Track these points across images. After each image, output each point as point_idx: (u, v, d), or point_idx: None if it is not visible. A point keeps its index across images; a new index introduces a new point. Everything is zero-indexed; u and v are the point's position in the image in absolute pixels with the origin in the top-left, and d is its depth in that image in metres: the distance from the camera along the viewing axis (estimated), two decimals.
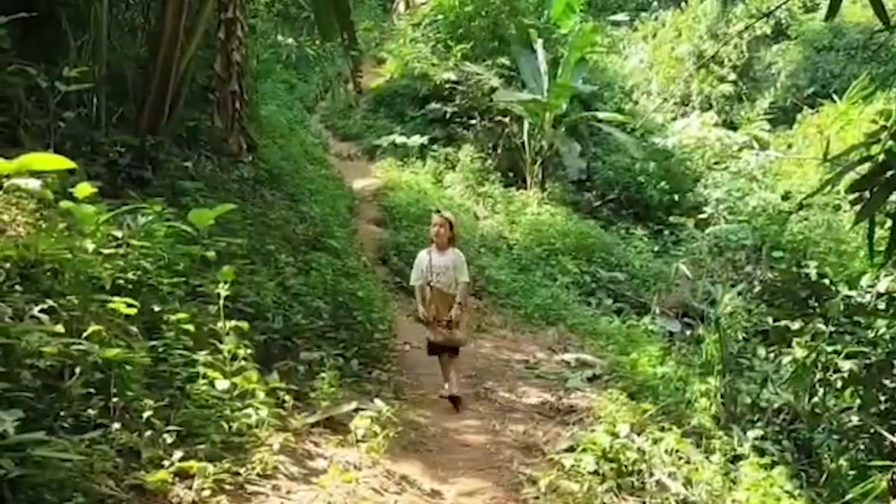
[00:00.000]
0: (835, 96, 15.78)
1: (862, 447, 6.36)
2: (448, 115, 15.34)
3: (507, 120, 14.97)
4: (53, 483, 2.68)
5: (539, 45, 15.26)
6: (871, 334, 6.97)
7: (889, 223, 4.52)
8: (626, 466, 4.54)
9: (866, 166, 4.35)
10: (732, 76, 18.77)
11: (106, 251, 4.06)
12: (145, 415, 3.36)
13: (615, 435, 4.76)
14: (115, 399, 3.28)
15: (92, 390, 3.24)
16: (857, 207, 4.40)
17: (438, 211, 6.47)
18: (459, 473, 4.55)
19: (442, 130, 15.37)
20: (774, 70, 18.90)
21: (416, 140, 14.69)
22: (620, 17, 20.57)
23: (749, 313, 9.28)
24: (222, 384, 3.87)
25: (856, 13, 18.80)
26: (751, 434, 5.93)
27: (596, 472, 4.43)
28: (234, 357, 4.05)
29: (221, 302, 4.18)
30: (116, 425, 3.19)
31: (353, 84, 10.65)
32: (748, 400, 6.81)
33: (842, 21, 18.86)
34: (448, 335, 6.02)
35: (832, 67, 18.09)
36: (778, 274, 10.24)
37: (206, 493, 3.20)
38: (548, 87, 14.59)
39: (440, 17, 16.88)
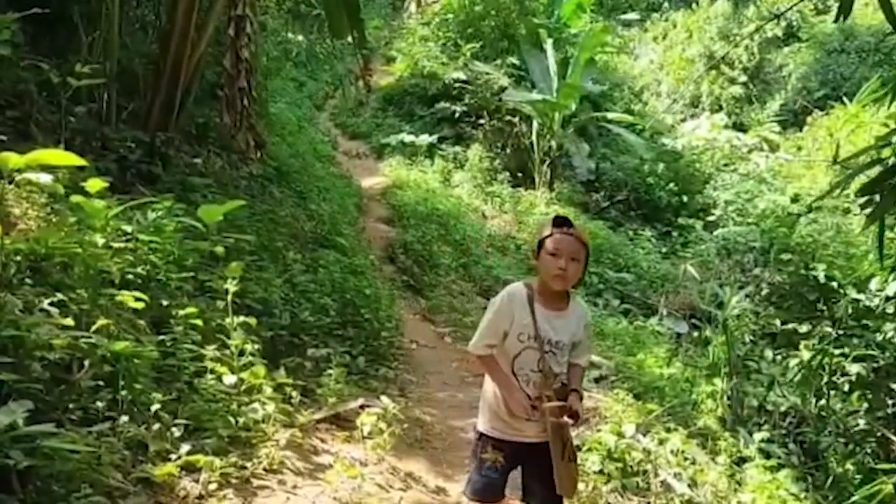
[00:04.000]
0: (845, 99, 15.70)
1: (869, 451, 6.33)
2: (457, 115, 15.35)
3: (516, 120, 14.97)
4: (62, 474, 2.70)
5: (549, 44, 15.25)
6: (879, 338, 6.94)
7: None
8: (631, 467, 4.54)
9: (876, 169, 4.34)
10: (743, 78, 18.71)
11: (115, 246, 4.09)
12: (153, 408, 3.39)
13: (621, 435, 4.76)
14: (123, 392, 3.30)
15: (100, 383, 3.27)
16: (867, 211, 4.39)
17: (563, 222, 2.93)
18: (464, 471, 4.55)
19: (451, 130, 15.38)
20: (785, 72, 18.83)
21: (425, 139, 14.71)
22: (631, 16, 20.53)
23: (757, 316, 9.25)
24: (230, 379, 3.89)
25: (867, 16, 18.70)
26: (757, 436, 5.91)
27: (601, 472, 4.43)
28: (242, 352, 4.06)
29: (229, 298, 4.19)
30: (124, 418, 3.22)
31: (363, 82, 10.70)
32: (755, 402, 6.79)
33: (853, 23, 18.77)
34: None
35: (843, 70, 18.01)
36: (786, 276, 10.21)
37: (213, 486, 3.22)
38: (557, 87, 14.58)
39: (450, 16, 16.90)
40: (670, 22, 20.77)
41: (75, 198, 4.12)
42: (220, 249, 4.80)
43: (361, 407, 4.64)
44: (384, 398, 4.64)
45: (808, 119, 16.96)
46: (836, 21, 4.70)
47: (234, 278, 4.25)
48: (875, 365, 6.63)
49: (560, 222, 2.91)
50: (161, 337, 3.90)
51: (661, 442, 4.84)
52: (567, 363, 2.97)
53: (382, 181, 13.27)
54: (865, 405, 6.65)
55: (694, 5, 20.27)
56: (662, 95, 19.36)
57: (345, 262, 7.58)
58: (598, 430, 5.04)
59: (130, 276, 4.05)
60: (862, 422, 6.50)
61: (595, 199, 15.02)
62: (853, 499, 5.02)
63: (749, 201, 13.87)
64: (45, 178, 3.70)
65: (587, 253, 2.91)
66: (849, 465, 6.15)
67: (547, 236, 2.91)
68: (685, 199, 15.02)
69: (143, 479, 3.07)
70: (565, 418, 2.87)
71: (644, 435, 4.93)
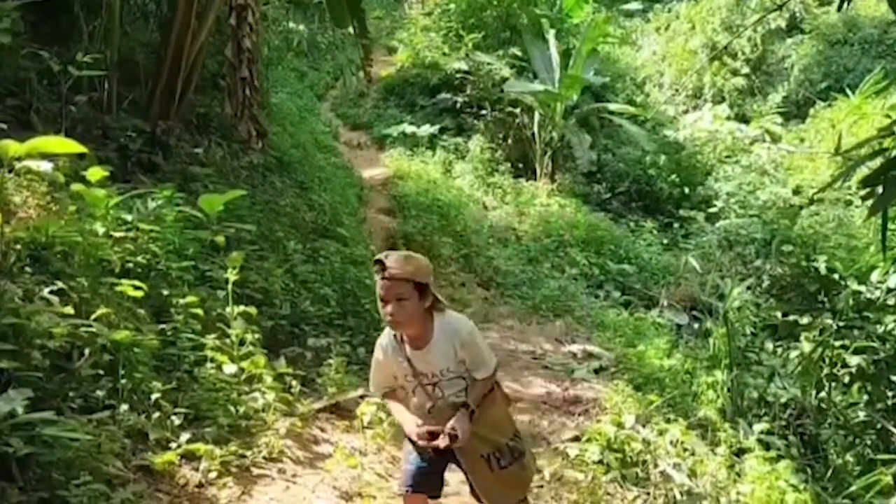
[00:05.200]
0: (848, 90, 15.65)
1: (868, 443, 6.34)
2: (458, 105, 15.29)
3: (517, 111, 14.92)
4: (61, 462, 2.72)
5: (551, 35, 15.19)
6: (880, 330, 6.94)
7: None
8: (630, 457, 4.55)
9: (878, 160, 4.32)
10: (745, 69, 18.61)
11: (116, 235, 4.10)
12: (153, 397, 3.40)
13: (620, 426, 4.77)
14: (123, 381, 3.32)
15: (100, 372, 3.28)
16: (869, 202, 4.38)
17: (380, 265, 2.80)
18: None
19: (452, 120, 15.33)
20: (788, 64, 18.73)
21: (426, 130, 14.66)
22: (634, 6, 20.42)
23: (758, 307, 9.24)
24: (230, 368, 3.90)
25: (871, 7, 18.61)
26: (757, 428, 5.91)
27: (601, 462, 4.44)
28: (242, 342, 4.07)
29: (230, 287, 4.20)
30: (124, 407, 3.23)
31: (364, 73, 10.64)
32: (755, 394, 6.79)
33: (856, 15, 18.67)
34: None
35: (846, 62, 17.91)
36: (787, 268, 10.21)
37: (213, 475, 3.24)
38: (559, 77, 14.53)
39: (452, 6, 16.81)
40: (673, 13, 20.64)
41: (76, 186, 4.12)
42: (220, 239, 4.81)
43: (361, 397, 4.65)
44: None
45: (811, 111, 16.88)
46: (839, 10, 4.68)
47: (234, 268, 4.25)
48: (875, 357, 6.63)
49: (378, 266, 2.78)
50: (161, 326, 3.91)
51: (661, 433, 4.84)
52: (465, 382, 2.93)
53: (383, 172, 13.24)
54: (866, 397, 6.65)
55: None
56: (665, 87, 19.27)
57: (345, 253, 7.57)
58: (598, 421, 5.05)
59: (131, 265, 4.06)
60: (862, 414, 6.51)
61: (596, 190, 14.97)
62: (851, 489, 5.04)
63: (751, 193, 13.84)
64: (46, 167, 3.71)
65: (419, 283, 2.77)
66: (849, 457, 6.16)
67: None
68: (687, 190, 14.97)
69: (143, 468, 3.09)
70: (441, 440, 2.80)
71: (644, 426, 4.94)
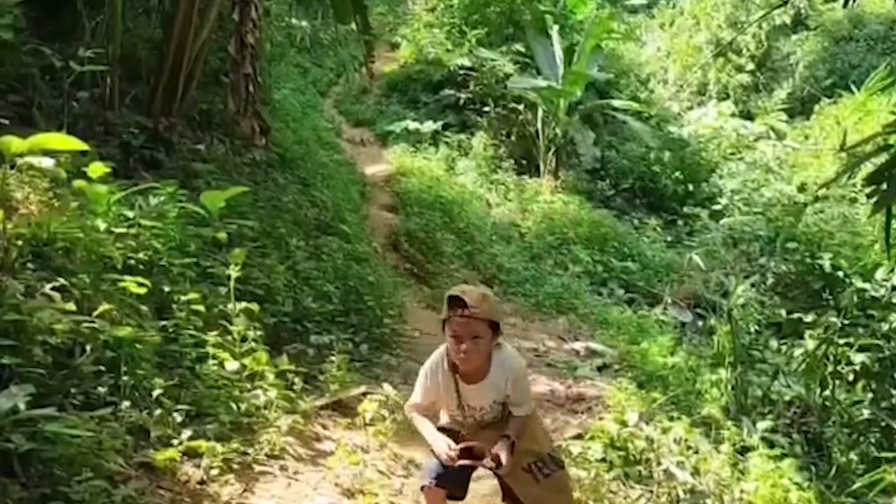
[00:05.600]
0: (853, 87, 15.60)
1: (873, 441, 6.32)
2: (462, 102, 15.27)
3: (521, 107, 14.89)
4: (63, 458, 2.71)
5: (555, 31, 15.15)
6: (884, 327, 6.92)
7: None
8: (634, 455, 4.54)
9: (883, 157, 4.30)
10: (750, 66, 18.55)
11: (118, 231, 4.09)
12: (155, 394, 3.39)
13: (624, 423, 4.75)
14: (125, 377, 3.31)
15: (102, 368, 3.27)
16: (874, 199, 4.35)
17: (459, 302, 2.76)
18: None
19: (455, 117, 15.31)
20: (793, 60, 18.66)
21: (429, 126, 14.63)
22: (638, 1, 20.37)
23: (762, 305, 9.24)
24: (232, 365, 3.89)
25: (876, 4, 18.53)
26: (760, 426, 5.90)
27: (603, 460, 4.43)
28: (244, 339, 4.07)
29: (232, 284, 4.19)
30: (126, 403, 3.22)
31: (367, 69, 10.62)
32: (759, 392, 6.77)
33: (862, 11, 18.59)
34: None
35: (851, 58, 17.84)
36: (792, 266, 10.18)
37: (215, 471, 3.23)
38: (563, 74, 14.50)
39: (455, 2, 16.78)
40: (677, 9, 20.58)
41: (78, 183, 4.11)
42: (222, 235, 4.80)
43: (364, 394, 4.64)
44: (386, 385, 4.64)
45: (816, 107, 16.83)
46: (844, 6, 4.65)
47: (236, 264, 4.25)
48: (880, 355, 6.62)
49: (457, 303, 2.74)
50: (163, 322, 3.90)
51: (665, 430, 4.82)
52: (503, 411, 2.95)
53: (386, 168, 13.22)
54: (870, 395, 6.64)
55: None
56: (669, 83, 19.22)
57: (348, 250, 7.56)
58: (601, 419, 5.04)
59: (133, 262, 4.04)
60: (866, 412, 6.50)
61: (600, 187, 14.95)
62: (855, 486, 5.02)
63: (755, 190, 13.81)
64: (47, 163, 3.70)
65: (494, 323, 2.80)
66: (853, 455, 6.14)
67: (446, 319, 2.80)
68: (691, 187, 14.94)
69: (145, 464, 3.08)
70: (487, 461, 2.80)
71: (647, 423, 4.92)
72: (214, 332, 3.99)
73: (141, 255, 4.12)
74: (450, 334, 2.79)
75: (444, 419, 3.06)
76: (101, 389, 3.21)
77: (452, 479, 2.89)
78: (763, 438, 5.52)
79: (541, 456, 2.92)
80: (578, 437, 4.84)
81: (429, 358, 3.02)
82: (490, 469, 2.85)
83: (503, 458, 2.78)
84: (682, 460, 4.59)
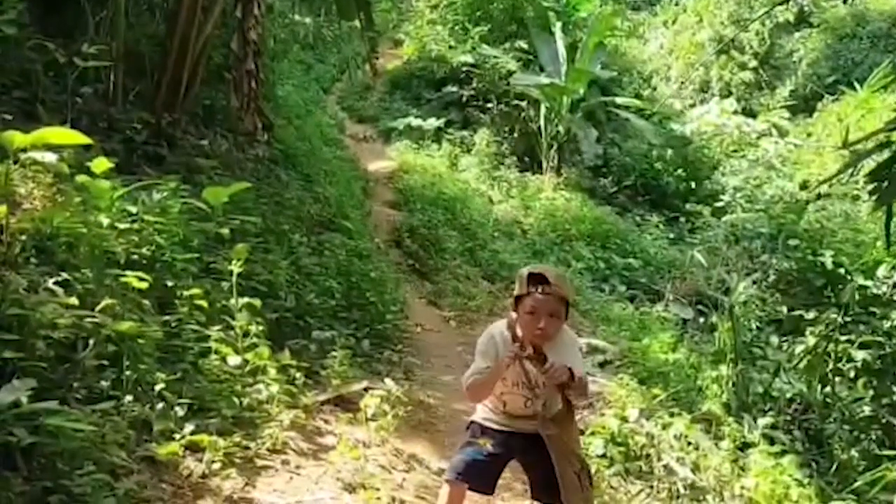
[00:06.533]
0: (856, 84, 15.56)
1: (874, 438, 6.33)
2: (464, 99, 15.28)
3: (523, 104, 14.89)
4: (65, 452, 2.72)
5: (558, 28, 15.14)
6: (886, 325, 6.92)
7: None
8: (634, 451, 4.56)
9: (885, 154, 4.30)
10: (753, 63, 18.52)
11: (121, 226, 4.10)
12: (157, 388, 3.41)
13: (624, 419, 4.77)
14: (127, 372, 3.32)
15: (105, 362, 3.29)
16: (876, 196, 4.35)
17: (540, 279, 2.82)
18: None
19: (458, 114, 15.32)
20: (796, 57, 18.64)
21: (432, 123, 14.65)
22: None
23: (763, 302, 9.23)
24: (234, 360, 3.90)
25: (879, 1, 18.52)
26: (761, 422, 5.90)
27: (604, 456, 4.44)
28: (247, 334, 4.08)
29: (234, 279, 4.20)
30: (129, 397, 3.24)
31: (370, 66, 10.64)
32: (760, 388, 6.78)
33: (865, 9, 18.57)
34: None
35: (854, 55, 17.81)
36: (793, 263, 10.18)
37: (217, 466, 3.24)
38: (566, 71, 14.49)
39: None
40: (680, 6, 20.54)
41: (81, 178, 4.13)
42: (225, 231, 4.82)
43: (365, 389, 4.64)
44: (388, 381, 4.65)
45: (819, 105, 16.82)
46: (847, 3, 4.64)
47: (239, 260, 4.26)
48: (881, 352, 6.62)
49: (537, 280, 2.79)
50: (166, 317, 3.92)
51: (665, 427, 4.83)
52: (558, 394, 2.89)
53: (389, 165, 13.23)
54: (871, 392, 6.64)
55: None
56: (672, 80, 19.20)
57: (350, 246, 7.57)
58: (602, 415, 5.05)
59: (135, 257, 4.06)
60: (867, 409, 6.50)
61: (603, 184, 14.94)
62: (856, 484, 5.03)
63: (758, 187, 13.81)
64: (51, 158, 3.71)
65: (568, 303, 2.85)
66: (853, 452, 6.15)
67: (524, 294, 2.82)
68: (693, 184, 14.93)
69: (147, 458, 3.09)
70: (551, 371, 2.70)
71: (648, 419, 4.93)
72: (217, 327, 4.01)
73: (144, 251, 4.14)
74: (526, 311, 2.80)
75: (482, 412, 3.00)
76: (104, 383, 3.22)
77: (481, 474, 2.87)
78: (764, 435, 5.52)
79: (585, 466, 2.93)
80: (579, 432, 4.85)
81: (480, 338, 2.98)
82: (532, 357, 2.74)
83: (572, 372, 2.71)
84: (683, 456, 4.60)
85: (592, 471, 3.07)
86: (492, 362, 2.86)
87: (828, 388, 6.70)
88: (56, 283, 3.35)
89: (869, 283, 7.66)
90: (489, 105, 15.08)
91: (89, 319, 3.27)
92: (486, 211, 12.16)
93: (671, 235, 13.35)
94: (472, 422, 3.04)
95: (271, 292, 5.25)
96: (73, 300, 3.27)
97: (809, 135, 16.24)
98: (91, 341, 3.25)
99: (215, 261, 4.67)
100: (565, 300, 2.84)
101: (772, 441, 5.51)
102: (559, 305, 2.80)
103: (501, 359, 2.80)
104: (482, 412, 3.02)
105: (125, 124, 6.08)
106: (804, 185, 13.53)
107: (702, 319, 9.73)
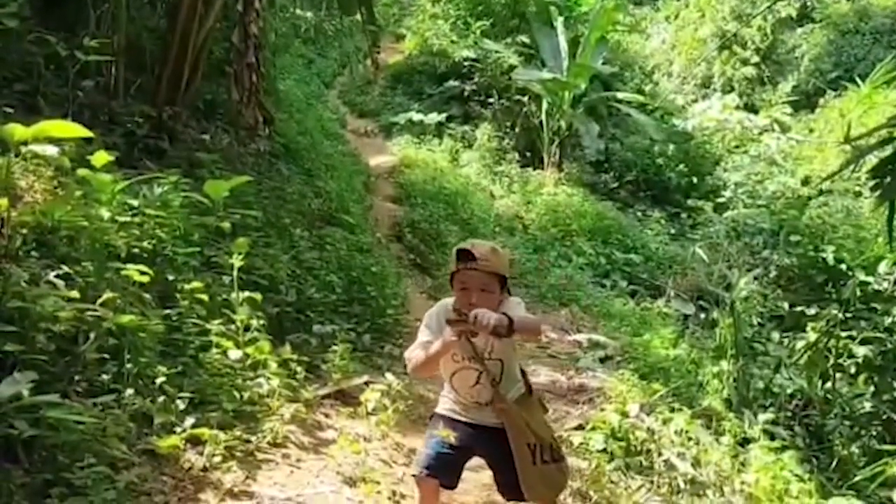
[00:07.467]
0: (859, 80, 15.53)
1: (874, 434, 6.33)
2: (466, 93, 15.27)
3: (525, 99, 14.87)
4: (66, 445, 2.73)
5: (559, 23, 15.11)
6: (887, 321, 6.92)
7: None
8: (634, 446, 4.55)
9: (888, 150, 4.29)
10: (755, 59, 18.48)
11: (122, 220, 4.11)
12: (158, 381, 3.41)
13: (625, 414, 4.77)
14: (128, 365, 3.32)
15: (106, 356, 3.29)
16: (878, 192, 4.35)
17: (467, 256, 2.80)
18: None
19: (459, 108, 15.31)
20: (798, 53, 18.60)
21: (434, 118, 14.64)
22: None
23: (765, 298, 9.23)
24: (235, 354, 3.90)
25: None
26: (762, 418, 5.90)
27: (605, 451, 4.45)
28: (247, 328, 4.08)
29: (235, 273, 4.20)
30: (129, 391, 3.24)
31: (371, 60, 10.62)
32: (761, 384, 6.78)
33: (868, 4, 18.53)
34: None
35: (857, 51, 17.76)
36: (795, 259, 10.18)
37: (217, 459, 3.24)
38: (567, 66, 14.47)
39: None
40: (683, 1, 20.50)
41: (82, 171, 4.12)
42: (226, 225, 4.81)
43: (366, 383, 4.65)
44: (389, 375, 4.64)
45: (821, 101, 16.79)
46: None
47: (240, 254, 4.26)
48: (882, 348, 6.62)
49: (466, 256, 2.77)
50: (167, 311, 3.92)
51: (665, 422, 4.83)
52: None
53: (390, 160, 13.23)
54: (872, 388, 6.64)
55: None
56: (674, 75, 19.17)
57: (351, 240, 7.58)
58: (603, 410, 5.05)
59: (136, 250, 4.06)
60: (868, 404, 6.50)
61: (604, 179, 14.92)
62: (857, 479, 5.03)
63: (759, 183, 13.79)
64: (52, 151, 3.70)
65: (503, 277, 2.81)
66: (854, 448, 6.15)
67: (455, 272, 2.83)
68: (695, 180, 14.92)
69: (148, 451, 3.10)
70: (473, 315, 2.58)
71: (648, 414, 4.93)
72: (218, 321, 4.01)
73: (145, 244, 4.14)
74: (458, 287, 2.82)
75: (444, 403, 3.02)
76: (105, 377, 3.23)
77: (446, 468, 2.87)
78: (764, 430, 5.52)
79: (542, 442, 2.92)
80: (580, 427, 4.85)
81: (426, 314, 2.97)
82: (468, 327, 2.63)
83: (492, 319, 2.55)
84: (683, 451, 4.60)
85: (562, 452, 3.02)
86: (433, 336, 2.85)
87: (828, 384, 6.70)
88: (57, 276, 3.35)
89: (870, 279, 7.65)
90: (491, 100, 15.07)
91: (90, 313, 3.27)
92: (487, 206, 12.16)
93: (672, 231, 13.35)
94: (434, 413, 3.05)
95: (272, 286, 5.25)
96: (74, 293, 3.28)
97: (811, 131, 16.21)
98: (92, 334, 3.25)
99: (216, 255, 4.67)
100: (497, 274, 2.79)
101: (772, 437, 5.51)
102: (490, 280, 2.77)
103: (443, 335, 2.76)
104: (444, 403, 3.03)
105: (126, 118, 6.08)
106: (806, 181, 13.52)
107: (703, 315, 9.73)
